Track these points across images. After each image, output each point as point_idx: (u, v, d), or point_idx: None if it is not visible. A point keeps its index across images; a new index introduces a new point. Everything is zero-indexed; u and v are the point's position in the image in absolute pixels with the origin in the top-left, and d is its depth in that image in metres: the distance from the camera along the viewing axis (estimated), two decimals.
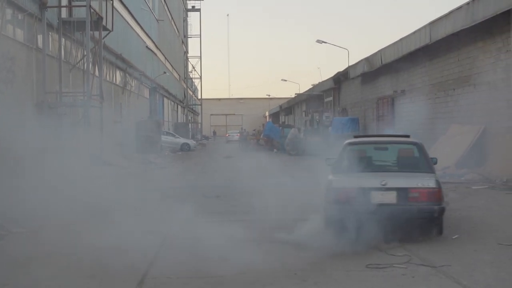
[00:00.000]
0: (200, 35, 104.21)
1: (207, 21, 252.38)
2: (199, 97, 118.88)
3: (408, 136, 13.35)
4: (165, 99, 67.12)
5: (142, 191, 20.02)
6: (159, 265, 9.55)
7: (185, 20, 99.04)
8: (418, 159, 12.16)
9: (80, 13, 27.29)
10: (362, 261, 9.50)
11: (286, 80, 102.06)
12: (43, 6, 24.20)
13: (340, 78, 53.55)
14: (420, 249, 10.35)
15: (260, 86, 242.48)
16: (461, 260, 9.65)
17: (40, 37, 24.53)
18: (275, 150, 51.76)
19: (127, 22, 43.33)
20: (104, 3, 28.65)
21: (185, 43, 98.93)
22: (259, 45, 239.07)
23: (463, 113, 27.01)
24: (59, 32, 26.36)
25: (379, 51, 39.49)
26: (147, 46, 53.87)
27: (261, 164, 30.20)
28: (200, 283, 8.60)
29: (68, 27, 26.70)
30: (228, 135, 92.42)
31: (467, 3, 25.01)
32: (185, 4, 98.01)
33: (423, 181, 11.03)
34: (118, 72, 40.39)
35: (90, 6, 26.05)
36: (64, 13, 26.93)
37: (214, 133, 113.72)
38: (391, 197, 10.85)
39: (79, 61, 28.41)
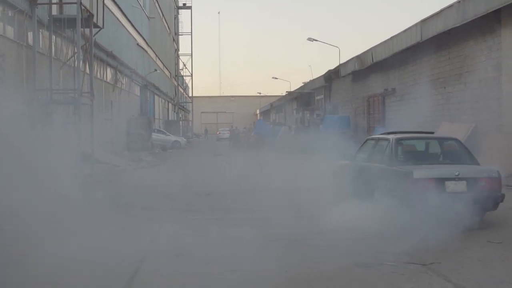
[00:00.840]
0: (191, 32, 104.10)
1: (198, 19, 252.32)
2: (190, 94, 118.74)
3: (432, 133, 15.53)
4: (156, 96, 67.01)
5: (133, 189, 20.02)
6: (148, 263, 9.54)
7: (176, 18, 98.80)
8: (462, 152, 13.56)
9: (71, 10, 27.19)
10: (352, 259, 9.51)
11: (277, 78, 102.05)
12: (33, 3, 24.11)
13: (331, 76, 53.56)
14: (409, 246, 10.36)
15: (251, 84, 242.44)
16: (451, 257, 9.67)
17: (30, 34, 24.44)
18: (265, 148, 51.76)
19: (118, 20, 43.22)
20: (94, 0, 28.55)
21: (176, 40, 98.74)
22: (250, 43, 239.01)
23: (453, 111, 27.07)
24: (49, 29, 26.27)
25: (370, 49, 39.53)
26: (138, 44, 53.75)
27: (252, 162, 30.23)
28: (189, 280, 8.60)
29: (58, 24, 26.60)
30: (219, 133, 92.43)
31: (458, 2, 25.06)
32: (176, 2, 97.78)
33: (488, 172, 12.37)
34: (108, 70, 40.28)
35: (80, 3, 25.95)
36: (54, 10, 26.84)
37: (206, 131, 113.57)
38: (462, 186, 11.98)
39: (70, 58, 28.31)
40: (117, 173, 26.74)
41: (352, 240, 10.93)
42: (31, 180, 18.61)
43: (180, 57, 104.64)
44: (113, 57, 39.67)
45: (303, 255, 10.00)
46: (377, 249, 10.24)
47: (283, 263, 9.38)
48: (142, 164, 33.80)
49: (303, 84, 74.30)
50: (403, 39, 32.56)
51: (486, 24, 23.79)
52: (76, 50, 27.09)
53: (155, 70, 62.04)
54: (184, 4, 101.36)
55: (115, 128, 40.50)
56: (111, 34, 38.38)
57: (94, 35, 29.33)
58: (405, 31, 32.23)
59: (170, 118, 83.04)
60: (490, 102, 23.86)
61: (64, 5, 27.42)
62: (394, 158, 13.14)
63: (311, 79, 67.41)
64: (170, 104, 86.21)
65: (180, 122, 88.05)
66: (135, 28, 51.49)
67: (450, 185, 11.94)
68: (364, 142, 15.95)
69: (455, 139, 14.03)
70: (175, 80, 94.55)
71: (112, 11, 40.13)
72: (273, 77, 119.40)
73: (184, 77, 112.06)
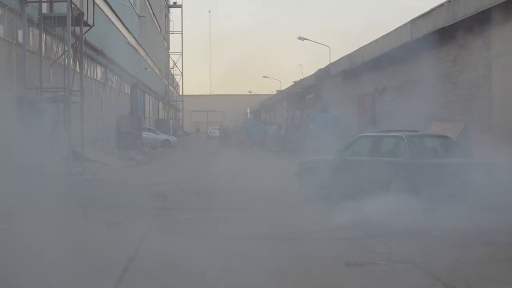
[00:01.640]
0: (182, 31, 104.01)
1: (189, 18, 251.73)
2: (181, 93, 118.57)
3: (417, 131, 17.00)
4: (146, 95, 66.89)
5: (122, 188, 20.01)
6: (137, 263, 9.52)
7: (166, 16, 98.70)
8: (458, 147, 15.92)
9: (61, 8, 27.10)
10: (342, 258, 9.51)
11: (267, 77, 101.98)
12: (23, 1, 24.03)
13: (322, 75, 53.50)
14: (400, 245, 10.39)
15: (241, 83, 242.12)
16: (441, 256, 9.69)
17: (20, 33, 24.35)
18: (255, 147, 51.75)
19: (108, 18, 43.11)
20: None
21: (166, 39, 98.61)
22: (240, 42, 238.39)
23: (444, 111, 27.10)
24: (39, 27, 26.17)
25: (360, 48, 39.52)
26: (128, 42, 53.62)
27: (241, 161, 30.25)
28: (179, 279, 8.58)
29: (48, 22, 26.51)
30: (209, 132, 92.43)
31: (448, 1, 25.10)
32: (166, 0, 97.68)
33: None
34: (99, 68, 40.19)
35: (71, 1, 25.86)
36: (45, 8, 26.73)
37: (198, 129, 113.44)
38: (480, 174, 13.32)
39: (60, 57, 28.22)
40: (107, 172, 26.71)
41: (343, 239, 10.96)
42: (19, 179, 18.59)
43: (171, 55, 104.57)
44: (104, 55, 39.57)
45: (293, 254, 10.00)
46: (368, 248, 10.26)
47: (272, 262, 9.38)
48: (132, 162, 33.78)
49: (293, 83, 74.26)
50: (393, 38, 32.56)
51: (476, 23, 23.83)
52: (66, 49, 26.99)
53: (146, 68, 61.93)
54: (175, 3, 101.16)
55: (105, 127, 40.43)
56: (101, 33, 38.28)
57: (84, 33, 29.25)
58: (395, 30, 32.23)
59: (160, 117, 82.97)
60: (480, 102, 23.90)
61: (54, 3, 27.31)
62: (415, 153, 14.60)
63: (302, 78, 67.39)
64: (160, 103, 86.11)
65: (171, 120, 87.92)
66: (125, 27, 51.38)
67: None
68: (355, 139, 16.51)
69: (449, 137, 16.16)
70: (166, 78, 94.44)
71: (103, 9, 40.02)
72: (263, 76, 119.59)
73: (175, 76, 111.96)
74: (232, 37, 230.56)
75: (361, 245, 10.46)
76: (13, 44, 23.73)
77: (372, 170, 14.82)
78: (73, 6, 26.31)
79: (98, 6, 36.16)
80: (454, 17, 24.70)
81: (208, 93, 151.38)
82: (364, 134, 18.04)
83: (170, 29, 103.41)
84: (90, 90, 35.71)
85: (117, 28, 47.58)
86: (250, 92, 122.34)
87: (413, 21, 29.31)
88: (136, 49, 58.44)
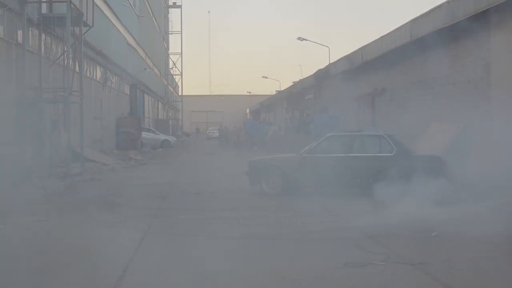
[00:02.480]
0: (181, 31, 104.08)
1: (188, 18, 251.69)
2: (180, 93, 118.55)
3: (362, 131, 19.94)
4: (145, 95, 66.89)
5: (122, 188, 20.01)
6: (136, 263, 9.53)
7: (166, 17, 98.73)
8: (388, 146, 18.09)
9: (61, 8, 27.10)
10: (341, 259, 9.51)
11: (267, 77, 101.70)
12: (23, 2, 24.02)
13: (321, 76, 53.49)
14: (398, 246, 10.40)
15: (241, 83, 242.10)
16: (440, 257, 9.70)
17: (20, 33, 24.33)
18: (255, 147, 51.72)
19: (108, 18, 43.11)
20: None
21: (166, 39, 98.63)
22: (240, 42, 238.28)
23: (443, 111, 27.08)
24: (39, 27, 26.16)
25: (359, 48, 39.52)
26: (127, 42, 53.63)
27: (241, 161, 30.24)
28: (177, 279, 8.59)
29: (48, 22, 26.49)
30: (209, 132, 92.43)
31: (448, 2, 25.11)
32: (166, 0, 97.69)
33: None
34: (98, 68, 40.17)
35: (70, 1, 25.86)
36: (44, 8, 26.74)
37: (198, 130, 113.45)
38: None
39: (59, 57, 28.21)
40: (106, 172, 26.72)
41: (342, 239, 10.97)
42: (19, 179, 18.61)
43: (170, 56, 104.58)
44: (103, 55, 39.57)
45: (291, 254, 10.01)
46: (367, 249, 10.27)
47: (271, 262, 9.39)
48: (132, 163, 33.78)
49: (293, 84, 74.23)
50: (393, 38, 32.56)
51: (476, 24, 23.83)
52: (65, 49, 26.99)
53: (145, 69, 61.92)
54: (174, 3, 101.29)
55: (104, 127, 40.44)
56: (101, 33, 38.26)
57: (84, 33, 29.24)
58: (395, 30, 32.24)
59: (160, 117, 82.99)
60: (479, 102, 23.91)
61: (54, 3, 27.33)
62: (400, 148, 17.61)
63: (301, 78, 67.36)
64: (160, 103, 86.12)
65: (170, 121, 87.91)
66: (125, 27, 51.38)
67: None
68: (324, 138, 18.59)
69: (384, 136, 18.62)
70: (165, 79, 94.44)
71: (102, 9, 40.02)
72: (263, 76, 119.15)
73: (174, 76, 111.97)
74: (232, 37, 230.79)
75: (360, 245, 10.47)
76: (13, 44, 23.72)
77: (358, 165, 17.39)
78: (72, 6, 26.32)
79: (98, 6, 36.16)
80: (453, 18, 24.69)
81: (207, 93, 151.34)
82: (333, 134, 19.83)
83: (170, 30, 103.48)
84: (89, 90, 35.71)
85: (117, 28, 47.59)
86: (250, 92, 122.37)
87: (413, 21, 29.32)
88: (135, 49, 58.46)
